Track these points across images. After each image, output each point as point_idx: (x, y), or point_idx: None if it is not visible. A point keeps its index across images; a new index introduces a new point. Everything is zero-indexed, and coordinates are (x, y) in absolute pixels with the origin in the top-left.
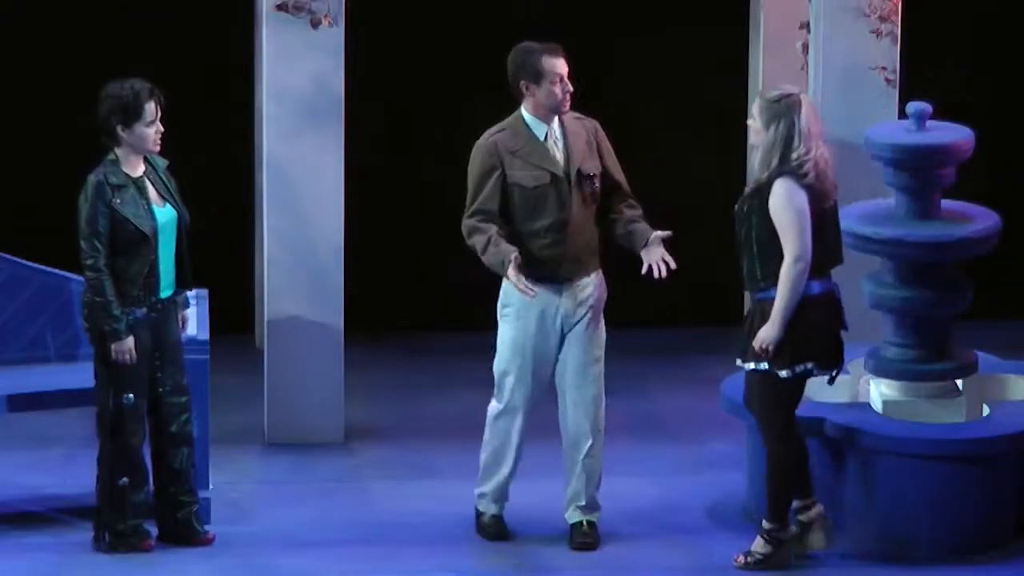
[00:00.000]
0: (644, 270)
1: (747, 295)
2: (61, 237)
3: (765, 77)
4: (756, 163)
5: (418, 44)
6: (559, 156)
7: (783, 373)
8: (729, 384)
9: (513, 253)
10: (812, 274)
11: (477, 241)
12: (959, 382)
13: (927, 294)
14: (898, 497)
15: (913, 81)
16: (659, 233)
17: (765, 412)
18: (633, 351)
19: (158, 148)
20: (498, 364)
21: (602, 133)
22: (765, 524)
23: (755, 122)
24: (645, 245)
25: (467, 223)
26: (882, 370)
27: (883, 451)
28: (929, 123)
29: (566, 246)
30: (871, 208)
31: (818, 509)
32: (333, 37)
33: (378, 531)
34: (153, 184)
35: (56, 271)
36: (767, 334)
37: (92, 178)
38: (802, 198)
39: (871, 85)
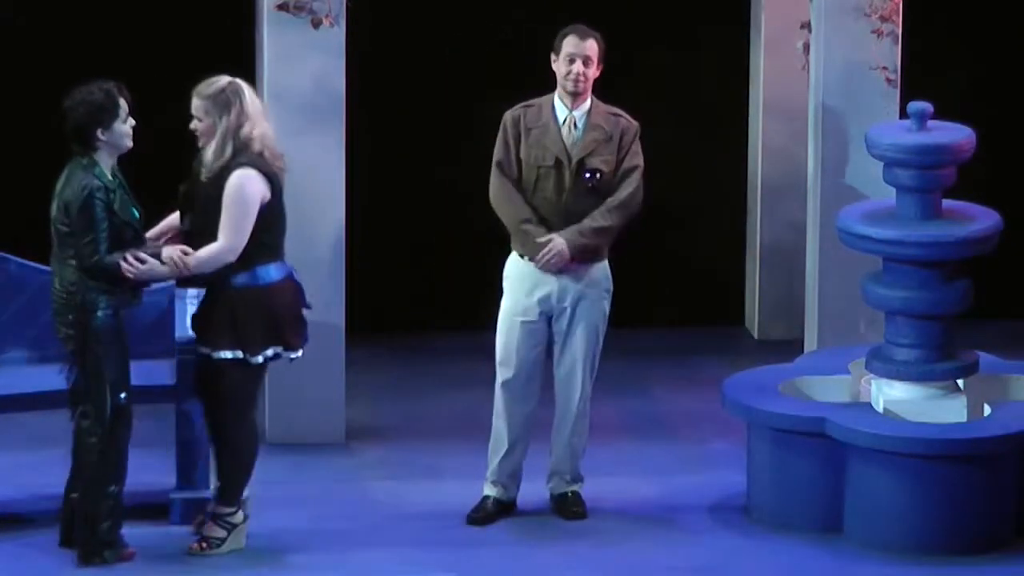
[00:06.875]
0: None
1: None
2: None
3: (765, 77)
4: (209, 155)
5: (419, 44)
6: (567, 142)
7: (258, 359)
8: (729, 384)
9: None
10: (273, 259)
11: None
12: (960, 382)
13: (927, 294)
14: (898, 497)
15: (913, 81)
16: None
17: (235, 397)
18: (633, 351)
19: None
20: (498, 337)
21: (632, 137)
22: (221, 509)
23: (202, 122)
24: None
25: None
26: (883, 370)
27: (884, 451)
28: (929, 123)
29: (560, 229)
30: (871, 208)
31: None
32: (334, 37)
33: (378, 531)
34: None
35: None
36: None
37: (84, 184)
38: (257, 189)
39: (871, 85)
